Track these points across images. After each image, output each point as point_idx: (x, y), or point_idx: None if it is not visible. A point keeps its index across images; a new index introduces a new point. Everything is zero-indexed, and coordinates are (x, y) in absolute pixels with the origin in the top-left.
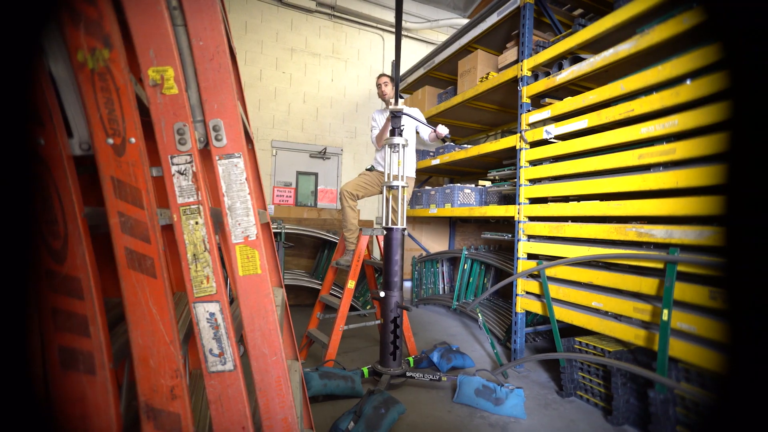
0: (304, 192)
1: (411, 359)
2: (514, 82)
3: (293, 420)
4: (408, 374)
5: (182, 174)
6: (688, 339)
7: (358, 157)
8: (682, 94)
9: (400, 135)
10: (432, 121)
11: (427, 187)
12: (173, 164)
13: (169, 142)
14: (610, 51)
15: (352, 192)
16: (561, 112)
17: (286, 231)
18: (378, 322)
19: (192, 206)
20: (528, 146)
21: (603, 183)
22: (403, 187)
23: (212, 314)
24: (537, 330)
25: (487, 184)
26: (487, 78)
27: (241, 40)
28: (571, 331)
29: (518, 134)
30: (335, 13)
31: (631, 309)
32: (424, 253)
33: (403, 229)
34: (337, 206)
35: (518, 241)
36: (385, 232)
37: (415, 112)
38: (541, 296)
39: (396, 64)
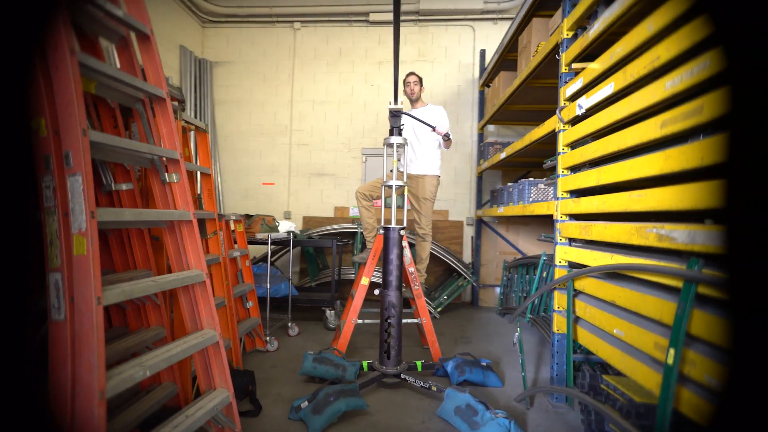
0: None
1: (419, 363)
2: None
3: (95, 362)
4: (402, 376)
5: (47, 187)
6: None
7: (446, 158)
8: None
9: (399, 134)
10: (507, 108)
11: (509, 183)
12: (43, 181)
13: (40, 167)
14: None
15: (365, 193)
16: (592, 77)
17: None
18: (415, 320)
19: (51, 208)
20: (567, 126)
21: (619, 168)
22: (398, 186)
23: (57, 280)
24: (590, 359)
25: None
26: (537, 51)
27: (336, 64)
28: None
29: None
30: (419, 18)
31: (652, 344)
32: (519, 256)
33: (401, 229)
34: None
35: (556, 244)
36: (393, 233)
37: (437, 111)
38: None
39: (395, 64)
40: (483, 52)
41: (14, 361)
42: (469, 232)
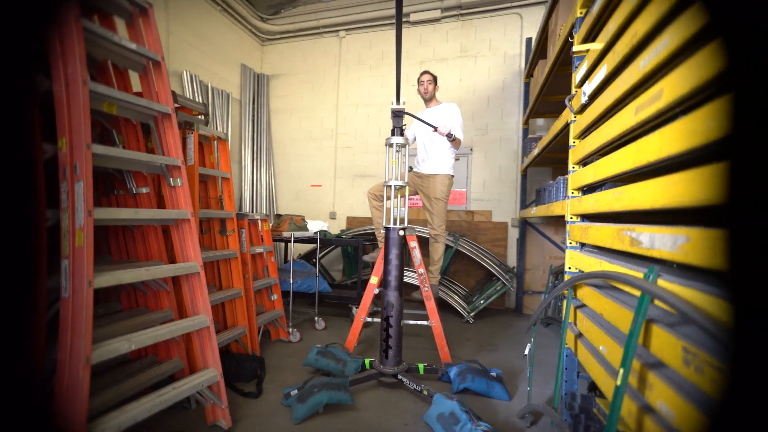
0: None
1: (421, 366)
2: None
3: (83, 333)
4: (399, 377)
5: (64, 192)
6: None
7: (489, 155)
8: None
9: (401, 134)
10: (547, 99)
11: (551, 182)
12: (62, 187)
13: (61, 176)
14: None
15: (375, 193)
16: (593, 59)
17: None
18: (427, 323)
19: (65, 209)
20: (577, 116)
21: (605, 163)
22: (397, 187)
23: (66, 266)
24: None
25: None
26: (560, 35)
27: (378, 67)
28: None
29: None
30: (462, 12)
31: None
32: None
33: (400, 229)
34: (467, 207)
35: (566, 248)
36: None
37: (448, 110)
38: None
39: (397, 64)
40: (529, 41)
41: (22, 333)
42: (514, 234)
